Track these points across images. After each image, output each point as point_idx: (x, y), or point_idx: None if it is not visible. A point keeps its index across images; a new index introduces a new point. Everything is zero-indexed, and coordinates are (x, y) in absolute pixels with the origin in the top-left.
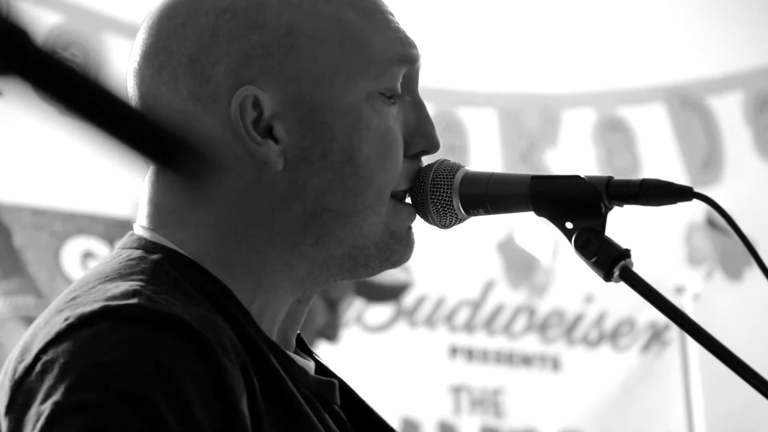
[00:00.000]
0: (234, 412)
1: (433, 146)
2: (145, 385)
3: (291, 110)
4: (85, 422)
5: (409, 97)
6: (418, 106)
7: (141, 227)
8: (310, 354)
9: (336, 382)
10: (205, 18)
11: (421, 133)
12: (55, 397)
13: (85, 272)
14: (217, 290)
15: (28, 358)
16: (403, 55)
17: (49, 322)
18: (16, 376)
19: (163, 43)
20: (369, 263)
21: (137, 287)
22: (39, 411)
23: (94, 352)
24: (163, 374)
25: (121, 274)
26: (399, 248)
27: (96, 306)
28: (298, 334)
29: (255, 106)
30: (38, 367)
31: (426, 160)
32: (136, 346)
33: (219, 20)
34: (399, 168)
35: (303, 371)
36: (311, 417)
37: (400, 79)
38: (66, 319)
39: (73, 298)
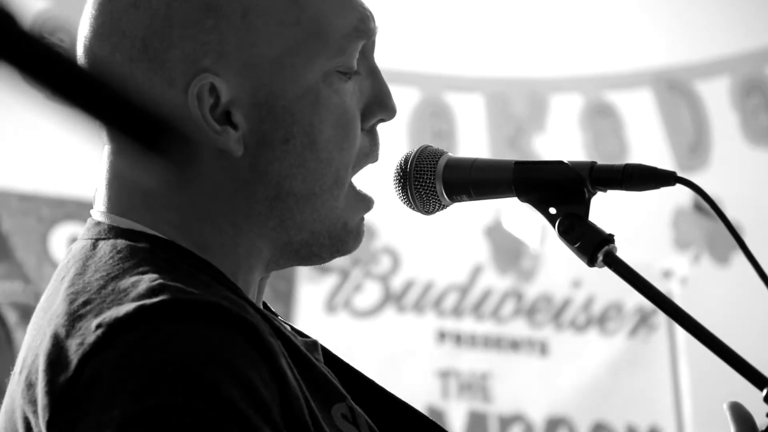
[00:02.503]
0: (288, 389)
1: (389, 113)
2: (214, 380)
3: (249, 96)
4: (167, 427)
5: (364, 66)
6: (374, 74)
7: (104, 213)
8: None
9: (318, 341)
10: None
11: (377, 102)
12: (121, 406)
13: (68, 274)
14: (213, 272)
15: (69, 370)
16: (361, 30)
17: (75, 330)
18: (57, 389)
19: (116, 24)
20: (321, 253)
21: (159, 281)
22: (101, 422)
23: (147, 355)
24: (226, 366)
25: (124, 269)
26: (349, 240)
27: (129, 308)
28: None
29: (212, 91)
30: (85, 378)
31: (406, 147)
32: (189, 342)
33: (172, 2)
34: (356, 148)
35: (294, 334)
36: (328, 377)
37: (357, 55)
38: (99, 326)
39: (86, 302)
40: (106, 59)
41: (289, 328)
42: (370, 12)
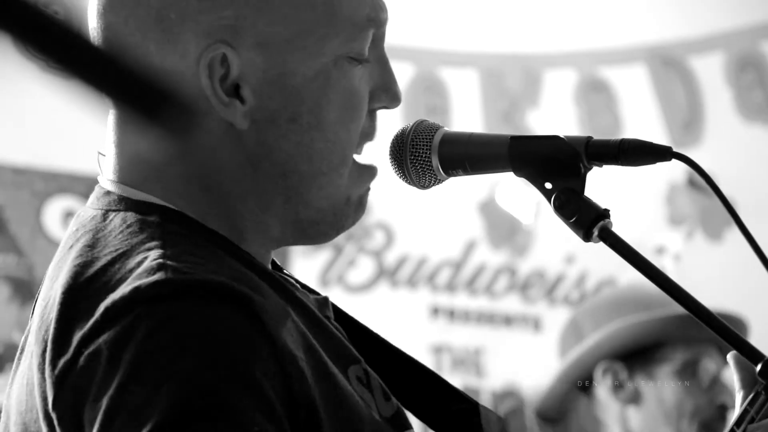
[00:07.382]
0: (288, 364)
1: (394, 102)
2: (203, 371)
3: (260, 73)
4: (151, 420)
5: (374, 54)
6: (383, 62)
7: (113, 183)
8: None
9: (328, 298)
10: None
11: (384, 89)
12: (109, 393)
13: (77, 244)
14: (223, 242)
15: (68, 353)
16: (372, 19)
17: (77, 309)
18: (57, 371)
19: None
20: (328, 231)
21: (159, 260)
22: (94, 409)
23: (138, 341)
24: (221, 350)
25: (132, 245)
26: (351, 213)
27: (126, 290)
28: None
29: (223, 62)
30: (81, 362)
31: (400, 121)
32: (179, 326)
33: None
34: (360, 128)
35: (305, 294)
36: (342, 339)
37: (368, 43)
38: (98, 309)
39: (90, 279)
40: (119, 26)
41: (299, 286)
42: (383, 2)
